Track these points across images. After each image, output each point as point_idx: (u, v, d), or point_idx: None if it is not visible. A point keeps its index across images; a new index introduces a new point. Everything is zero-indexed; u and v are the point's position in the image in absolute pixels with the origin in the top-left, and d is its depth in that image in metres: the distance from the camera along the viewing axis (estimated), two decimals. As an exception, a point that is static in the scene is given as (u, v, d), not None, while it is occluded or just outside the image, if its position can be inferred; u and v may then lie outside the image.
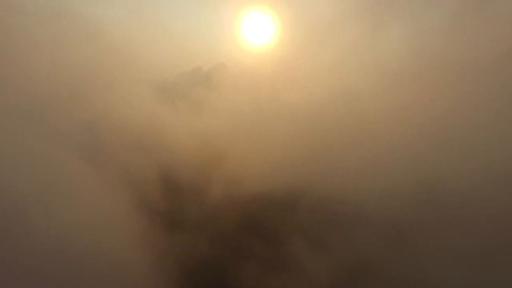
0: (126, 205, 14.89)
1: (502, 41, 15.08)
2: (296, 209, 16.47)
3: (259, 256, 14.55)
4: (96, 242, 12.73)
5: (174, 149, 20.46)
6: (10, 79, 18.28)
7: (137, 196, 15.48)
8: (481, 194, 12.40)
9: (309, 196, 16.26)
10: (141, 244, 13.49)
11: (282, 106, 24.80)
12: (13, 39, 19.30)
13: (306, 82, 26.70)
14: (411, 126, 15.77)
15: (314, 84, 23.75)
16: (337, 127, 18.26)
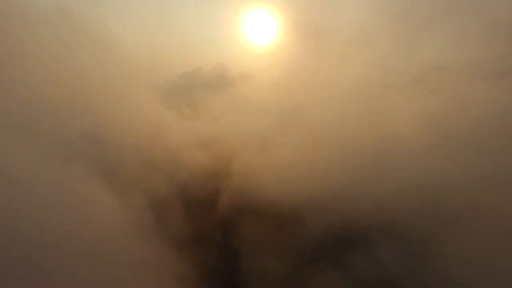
0: (136, 219, 14.32)
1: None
2: (310, 222, 15.73)
3: (274, 273, 13.96)
4: (108, 258, 12.24)
5: (180, 157, 19.80)
6: (15, 86, 17.66)
7: (147, 209, 14.93)
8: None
9: (324, 208, 15.49)
10: (158, 262, 12.94)
11: (289, 110, 23.82)
12: (17, 44, 18.70)
13: (312, 85, 25.87)
14: (440, 141, 15.03)
15: (323, 88, 22.97)
16: (353, 134, 17.47)
